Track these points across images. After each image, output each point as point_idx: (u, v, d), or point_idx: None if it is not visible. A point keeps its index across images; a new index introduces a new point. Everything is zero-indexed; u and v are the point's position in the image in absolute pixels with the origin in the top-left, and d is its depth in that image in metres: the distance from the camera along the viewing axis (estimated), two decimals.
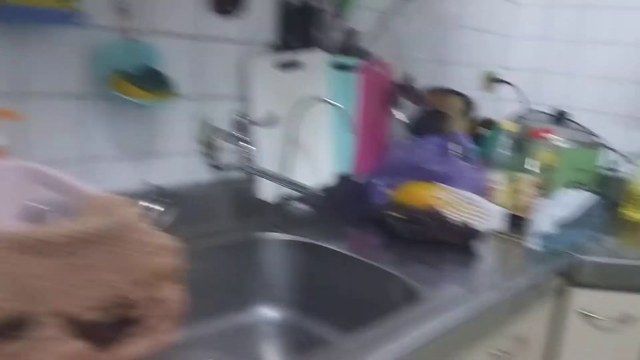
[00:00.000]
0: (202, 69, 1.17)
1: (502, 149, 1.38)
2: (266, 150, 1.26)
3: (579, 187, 1.62)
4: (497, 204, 1.38)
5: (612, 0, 1.82)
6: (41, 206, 0.82)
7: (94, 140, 1.04)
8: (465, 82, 1.83)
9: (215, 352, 1.07)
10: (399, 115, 1.53)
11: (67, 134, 1.00)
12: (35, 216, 0.81)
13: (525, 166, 1.39)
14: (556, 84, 1.91)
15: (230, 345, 1.09)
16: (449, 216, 1.26)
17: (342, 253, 1.14)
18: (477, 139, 1.52)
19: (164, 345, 0.76)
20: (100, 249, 0.68)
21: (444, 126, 1.48)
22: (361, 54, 1.38)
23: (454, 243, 1.21)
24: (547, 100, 1.93)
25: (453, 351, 0.94)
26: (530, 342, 1.22)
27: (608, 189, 1.73)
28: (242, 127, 1.22)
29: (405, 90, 1.45)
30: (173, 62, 1.11)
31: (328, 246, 1.15)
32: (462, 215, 1.28)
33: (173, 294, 0.75)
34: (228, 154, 1.23)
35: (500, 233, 1.31)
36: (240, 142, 1.21)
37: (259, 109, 1.25)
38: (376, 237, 1.26)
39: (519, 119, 1.70)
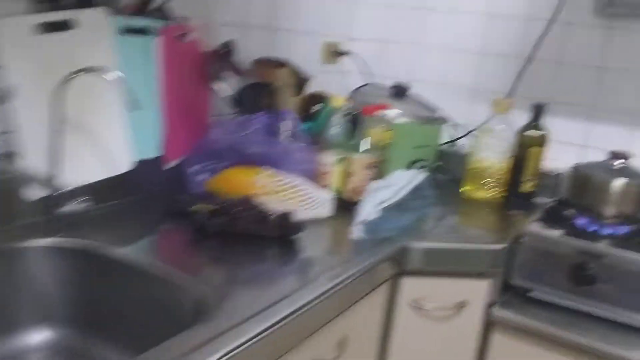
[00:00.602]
0: None
1: (334, 127, 1.24)
2: (31, 135, 1.01)
3: (419, 165, 1.53)
4: (327, 189, 1.25)
5: None
6: None
7: None
8: (304, 53, 1.67)
9: None
10: (222, 89, 1.34)
11: None
12: None
13: (360, 146, 1.27)
14: (402, 56, 1.82)
15: None
16: (269, 205, 1.10)
17: (125, 261, 0.93)
18: (310, 116, 1.37)
19: None
20: None
21: (271, 102, 1.31)
22: (162, 15, 1.16)
23: (271, 236, 1.06)
24: (393, 72, 1.82)
25: None
26: (360, 340, 1.10)
27: (450, 166, 1.66)
28: None
29: (223, 59, 1.26)
30: None
31: (109, 253, 0.94)
32: (285, 204, 1.13)
33: None
34: None
35: (329, 220, 1.17)
36: None
37: (14, 83, 0.99)
38: (183, 235, 1.07)
39: (356, 93, 1.57)
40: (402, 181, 1.19)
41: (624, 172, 1.29)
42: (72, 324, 0.96)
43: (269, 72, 1.35)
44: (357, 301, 1.02)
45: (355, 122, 1.33)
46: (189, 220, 1.08)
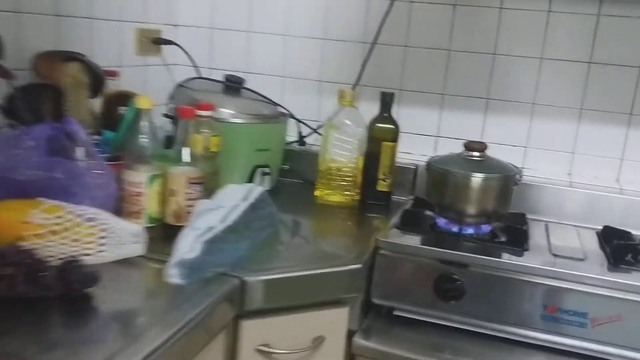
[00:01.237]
0: None
1: (144, 135, 0.98)
2: None
3: (262, 172, 1.31)
4: (139, 217, 0.98)
5: None
6: None
7: None
8: (111, 44, 1.37)
9: None
10: None
11: None
12: None
13: (180, 157, 1.01)
14: (236, 45, 1.58)
15: None
16: (49, 252, 0.81)
17: None
18: (112, 123, 1.08)
19: None
20: None
21: (57, 108, 1.01)
22: None
23: (53, 296, 0.77)
24: (227, 64, 1.58)
25: None
26: None
27: (301, 168, 1.47)
28: None
29: None
30: None
31: None
32: (74, 246, 0.85)
33: None
34: None
35: (143, 259, 0.91)
36: None
37: None
38: None
39: (179, 91, 1.31)
40: (233, 199, 0.96)
41: (481, 165, 1.17)
42: None
43: (53, 70, 1.04)
44: (193, 357, 0.78)
45: (174, 128, 1.08)
46: None
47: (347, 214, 1.31)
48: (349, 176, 1.34)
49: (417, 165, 1.42)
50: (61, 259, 0.81)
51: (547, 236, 1.20)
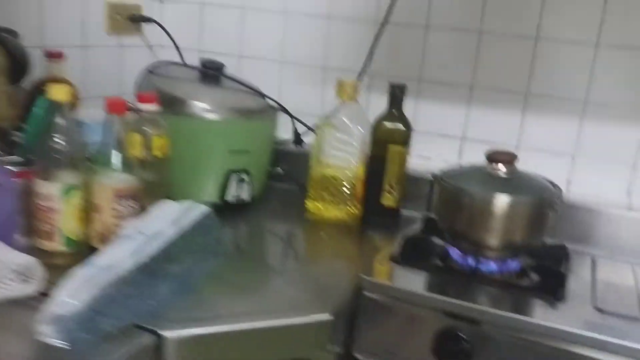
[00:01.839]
0: None
1: (60, 135, 0.76)
2: None
3: (238, 179, 1.08)
4: (48, 240, 0.77)
5: None
6: None
7: None
8: (69, 20, 1.16)
9: None
10: None
11: None
12: None
13: (110, 163, 0.79)
14: (228, 24, 1.35)
15: None
16: None
17: None
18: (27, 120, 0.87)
19: None
20: None
21: None
22: None
23: None
24: (217, 47, 1.36)
25: None
26: None
27: (298, 171, 1.22)
28: None
29: None
30: None
31: None
32: None
33: None
34: None
35: (31, 301, 0.69)
36: None
37: None
38: None
39: (146, 78, 1.09)
40: (159, 223, 0.73)
41: (507, 183, 0.89)
42: None
43: None
44: None
45: (107, 127, 0.86)
46: None
47: (340, 235, 1.06)
48: (346, 186, 1.09)
49: (433, 175, 1.15)
50: None
51: (593, 278, 0.92)
